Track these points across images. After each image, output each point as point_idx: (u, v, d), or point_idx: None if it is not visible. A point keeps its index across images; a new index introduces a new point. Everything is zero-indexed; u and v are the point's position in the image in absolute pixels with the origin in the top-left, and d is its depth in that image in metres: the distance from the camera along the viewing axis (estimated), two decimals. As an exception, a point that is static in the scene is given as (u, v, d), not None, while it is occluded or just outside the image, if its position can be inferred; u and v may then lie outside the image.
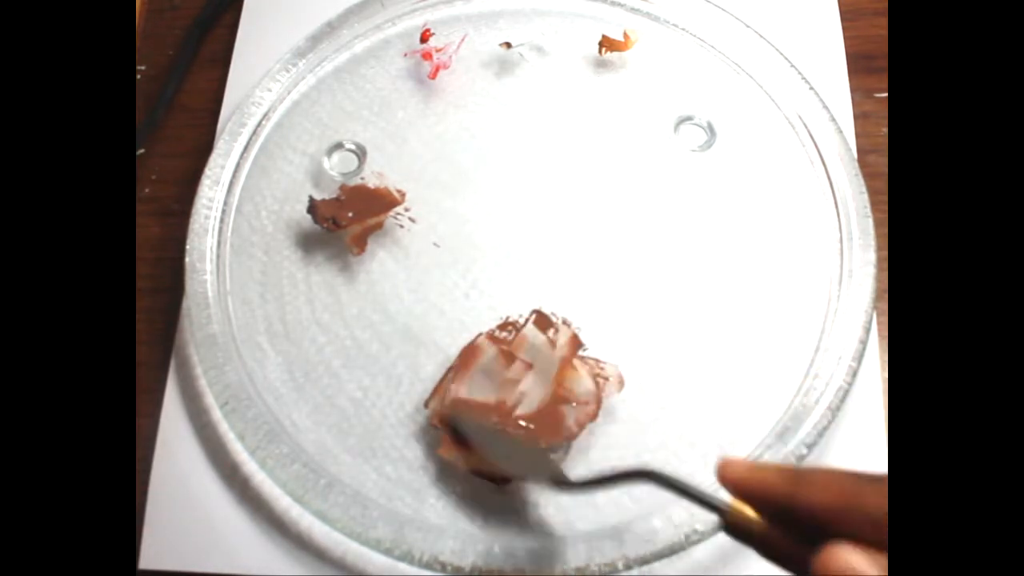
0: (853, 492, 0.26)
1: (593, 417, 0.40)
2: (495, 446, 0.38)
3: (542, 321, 0.42)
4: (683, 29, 0.51)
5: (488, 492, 0.39)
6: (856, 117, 0.48)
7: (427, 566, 0.37)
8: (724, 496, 0.29)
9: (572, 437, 0.39)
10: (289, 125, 0.49)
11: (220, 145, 0.47)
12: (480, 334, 0.42)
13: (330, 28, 0.50)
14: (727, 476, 0.29)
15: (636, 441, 0.41)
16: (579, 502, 0.39)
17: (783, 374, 0.41)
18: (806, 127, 0.47)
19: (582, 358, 0.41)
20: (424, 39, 0.50)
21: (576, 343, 0.41)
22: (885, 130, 0.49)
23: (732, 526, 0.29)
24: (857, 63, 0.50)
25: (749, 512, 0.28)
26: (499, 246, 0.45)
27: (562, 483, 0.35)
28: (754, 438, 0.40)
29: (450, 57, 0.50)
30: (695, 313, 0.43)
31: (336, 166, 0.48)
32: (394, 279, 0.45)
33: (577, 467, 0.40)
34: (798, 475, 0.28)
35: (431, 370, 0.42)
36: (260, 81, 0.49)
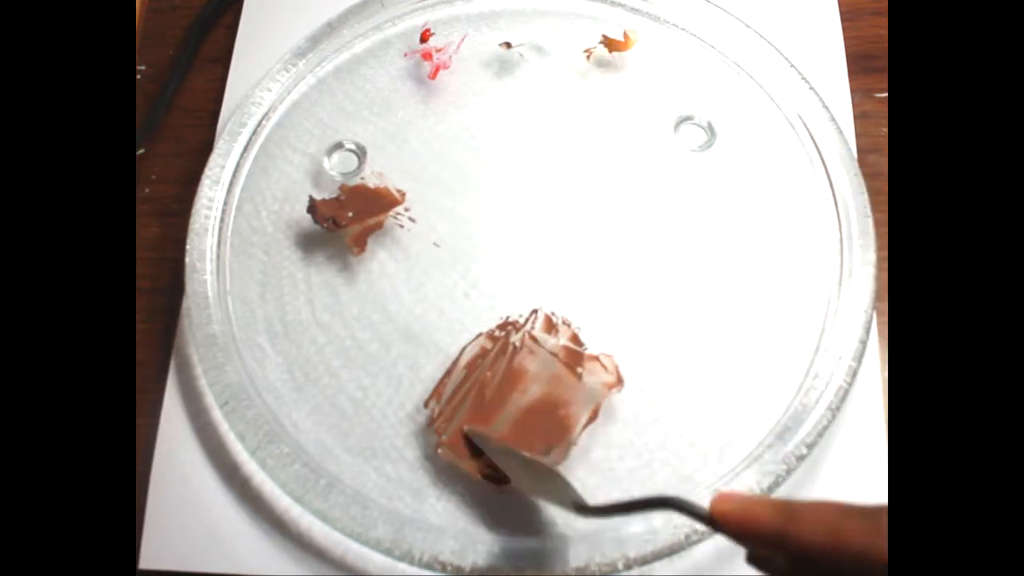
0: (837, 529, 0.26)
1: (593, 417, 0.40)
2: (513, 466, 0.38)
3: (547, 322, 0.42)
4: (683, 29, 0.51)
5: (488, 492, 0.39)
6: (856, 117, 0.48)
7: (427, 566, 0.37)
8: None
9: (572, 439, 0.39)
10: (289, 125, 0.49)
11: (220, 145, 0.47)
12: (480, 334, 0.42)
13: (330, 28, 0.50)
14: (720, 511, 0.29)
15: (636, 441, 0.41)
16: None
17: (783, 374, 0.41)
18: (806, 127, 0.47)
19: (582, 357, 0.41)
20: (424, 39, 0.50)
21: (576, 343, 0.42)
22: (885, 130, 0.49)
23: (756, 558, 0.29)
24: (857, 63, 0.50)
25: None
26: (499, 246, 0.45)
27: (581, 507, 0.35)
28: (754, 438, 0.40)
29: (450, 57, 0.50)
30: (695, 313, 0.43)
31: (336, 166, 0.48)
32: (394, 279, 0.45)
33: (578, 468, 0.40)
34: (789, 511, 0.27)
35: (431, 370, 0.42)
36: (260, 81, 0.49)
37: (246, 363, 0.42)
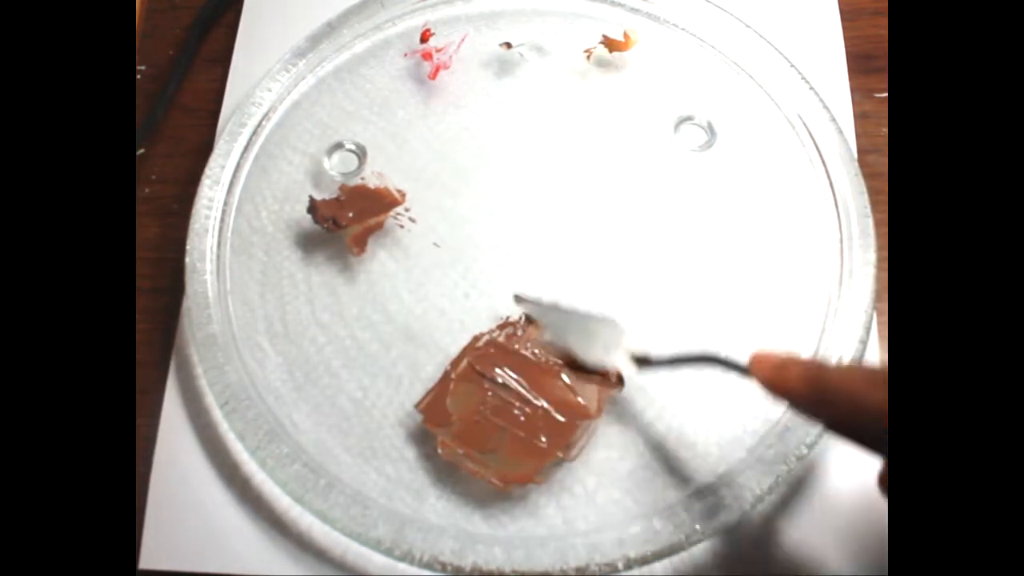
0: (860, 401, 0.28)
1: (596, 415, 0.40)
2: (564, 324, 0.40)
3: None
4: (683, 29, 0.51)
5: (488, 492, 0.39)
6: (856, 117, 0.48)
7: (427, 566, 0.37)
8: None
9: (574, 439, 0.39)
10: (289, 125, 0.49)
11: (220, 145, 0.47)
12: (479, 334, 0.42)
13: (330, 28, 0.50)
14: (756, 372, 0.33)
15: (636, 441, 0.41)
16: (579, 502, 0.39)
17: (783, 374, 0.41)
18: (806, 127, 0.47)
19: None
20: (424, 39, 0.50)
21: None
22: (885, 130, 0.49)
23: (796, 409, 0.32)
24: (857, 63, 0.50)
25: None
26: (499, 246, 0.45)
27: (637, 359, 0.38)
28: (754, 438, 0.40)
29: (450, 57, 0.50)
30: (695, 313, 0.43)
31: (336, 166, 0.48)
32: (394, 279, 0.45)
33: (578, 468, 0.40)
34: (819, 378, 0.30)
35: (431, 370, 0.42)
36: (260, 81, 0.49)
37: (246, 363, 0.42)
